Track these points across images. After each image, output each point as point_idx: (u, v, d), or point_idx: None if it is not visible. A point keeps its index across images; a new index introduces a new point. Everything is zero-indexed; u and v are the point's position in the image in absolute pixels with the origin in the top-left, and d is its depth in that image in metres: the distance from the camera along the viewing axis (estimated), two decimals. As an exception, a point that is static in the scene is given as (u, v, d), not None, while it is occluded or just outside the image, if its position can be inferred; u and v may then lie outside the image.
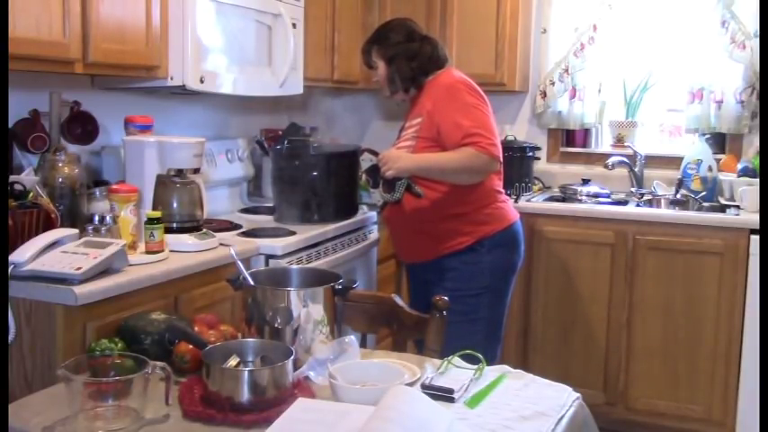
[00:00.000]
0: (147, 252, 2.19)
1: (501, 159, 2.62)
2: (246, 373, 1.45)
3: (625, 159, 3.86)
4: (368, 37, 2.90)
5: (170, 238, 2.31)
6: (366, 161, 2.58)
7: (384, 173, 2.61)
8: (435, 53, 2.77)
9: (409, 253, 2.86)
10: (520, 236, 2.77)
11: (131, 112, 2.68)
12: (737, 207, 3.40)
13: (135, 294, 2.01)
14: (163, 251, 2.23)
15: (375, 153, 2.54)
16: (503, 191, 2.78)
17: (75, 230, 2.07)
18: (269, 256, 2.57)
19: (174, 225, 2.41)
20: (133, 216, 2.23)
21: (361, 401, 1.38)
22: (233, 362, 1.51)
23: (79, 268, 1.88)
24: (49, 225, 2.07)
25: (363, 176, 2.66)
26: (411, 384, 1.52)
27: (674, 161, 3.83)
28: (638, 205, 3.65)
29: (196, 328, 1.72)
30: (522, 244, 2.79)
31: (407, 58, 2.74)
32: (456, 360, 1.68)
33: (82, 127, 2.56)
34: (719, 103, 3.73)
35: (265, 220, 3.01)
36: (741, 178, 3.52)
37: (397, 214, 2.72)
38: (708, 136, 3.80)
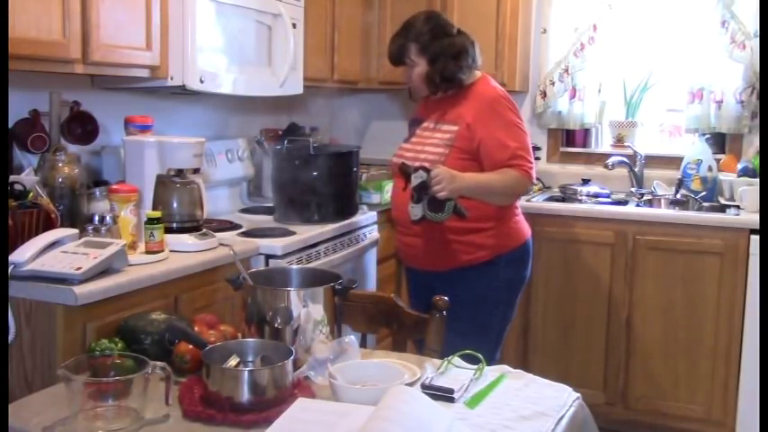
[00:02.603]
0: (147, 252, 2.19)
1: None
2: (246, 373, 1.45)
3: (625, 159, 3.86)
4: (399, 32, 2.68)
5: (170, 238, 2.31)
6: (418, 178, 2.40)
7: (437, 192, 2.38)
8: (473, 49, 2.65)
9: (421, 260, 2.69)
10: (531, 250, 2.76)
11: (131, 112, 2.68)
12: (737, 207, 3.40)
13: (135, 294, 2.01)
14: (163, 251, 2.23)
15: (428, 170, 2.40)
16: (518, 204, 2.74)
17: (75, 230, 2.07)
18: (269, 256, 2.57)
19: (174, 225, 2.41)
20: (133, 216, 2.23)
21: (361, 401, 1.38)
22: (233, 362, 1.51)
23: (79, 268, 1.88)
24: (49, 225, 2.07)
25: (410, 192, 2.45)
26: (411, 384, 1.52)
27: (674, 161, 3.83)
28: (638, 205, 3.65)
29: (196, 328, 1.72)
30: (532, 258, 2.78)
31: (453, 56, 2.59)
32: (456, 360, 1.68)
33: (82, 127, 2.56)
34: (719, 103, 3.73)
35: (265, 220, 3.01)
36: (741, 178, 3.52)
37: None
38: (708, 136, 3.80)
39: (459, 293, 2.41)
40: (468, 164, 2.54)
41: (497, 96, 2.60)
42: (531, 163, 2.54)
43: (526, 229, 2.72)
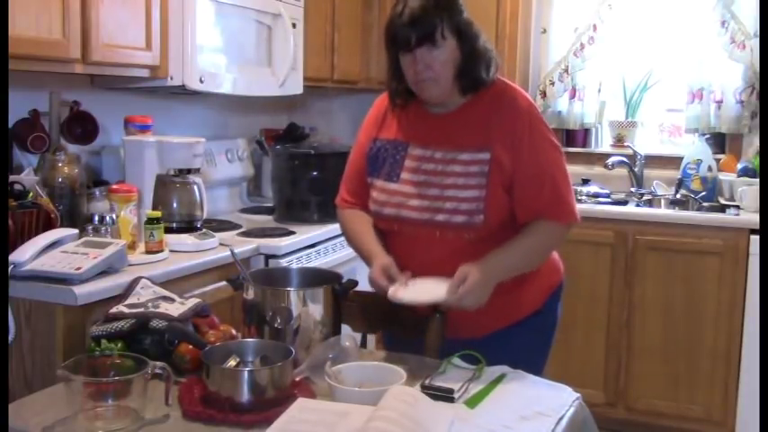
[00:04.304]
0: (147, 252, 2.19)
1: None
2: (246, 373, 1.45)
3: (625, 159, 3.86)
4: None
5: (170, 238, 2.31)
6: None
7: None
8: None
9: (449, 329, 1.84)
10: None
11: (131, 112, 2.68)
12: (737, 207, 3.40)
13: (135, 294, 2.01)
14: (163, 251, 2.23)
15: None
16: None
17: (75, 230, 2.07)
18: (269, 256, 2.57)
19: (174, 225, 2.41)
20: (133, 216, 2.23)
21: (360, 402, 1.38)
22: (233, 362, 1.51)
23: (79, 268, 1.88)
24: (48, 225, 2.07)
25: None
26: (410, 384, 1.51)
27: (673, 161, 3.83)
28: (637, 205, 3.65)
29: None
30: None
31: (480, 38, 1.89)
32: (456, 360, 1.68)
33: (82, 127, 2.56)
34: (719, 102, 3.73)
35: (265, 220, 3.01)
36: (741, 178, 3.52)
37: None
38: (708, 136, 3.80)
39: (501, 355, 1.74)
40: (508, 206, 1.83)
41: (532, 107, 1.89)
42: (573, 201, 1.87)
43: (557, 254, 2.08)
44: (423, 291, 1.75)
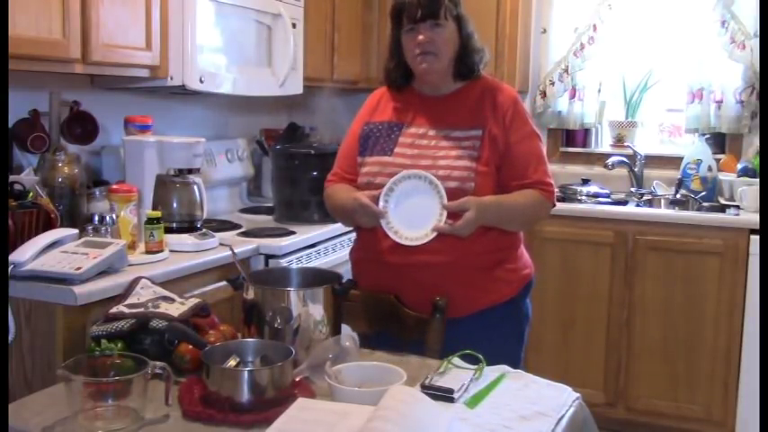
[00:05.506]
0: (147, 252, 2.20)
1: None
2: (246, 373, 1.45)
3: (625, 159, 3.86)
4: None
5: (170, 238, 2.31)
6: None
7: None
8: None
9: (426, 305, 1.94)
10: None
11: (131, 112, 2.68)
12: (737, 207, 3.40)
13: (135, 294, 2.01)
14: (163, 251, 2.23)
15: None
16: None
17: (75, 230, 2.07)
18: (269, 256, 2.57)
19: (174, 225, 2.41)
20: (133, 216, 2.23)
21: (360, 402, 1.38)
22: (233, 362, 1.51)
23: (79, 268, 1.88)
24: (48, 225, 2.07)
25: None
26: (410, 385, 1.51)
27: (673, 161, 3.83)
28: (637, 205, 3.65)
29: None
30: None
31: (474, 35, 2.09)
32: (456, 360, 1.68)
33: (82, 127, 2.56)
34: (719, 102, 3.73)
35: (265, 220, 3.01)
36: (741, 178, 3.52)
37: (430, 253, 1.94)
38: (708, 136, 3.80)
39: (483, 336, 1.93)
40: (496, 179, 2.00)
41: (518, 97, 2.09)
42: (554, 184, 2.09)
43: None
44: (415, 233, 1.90)
